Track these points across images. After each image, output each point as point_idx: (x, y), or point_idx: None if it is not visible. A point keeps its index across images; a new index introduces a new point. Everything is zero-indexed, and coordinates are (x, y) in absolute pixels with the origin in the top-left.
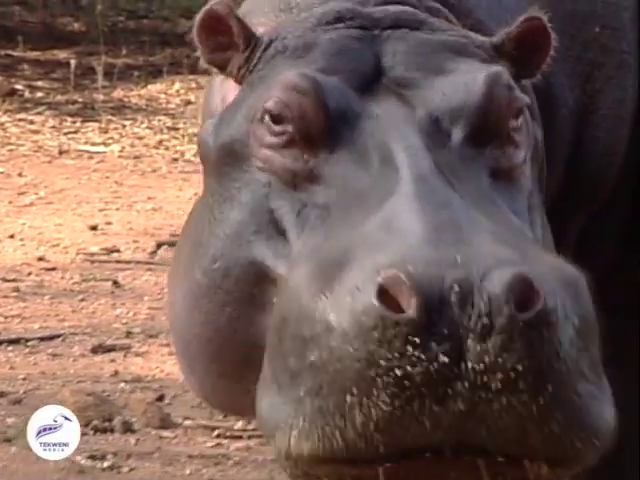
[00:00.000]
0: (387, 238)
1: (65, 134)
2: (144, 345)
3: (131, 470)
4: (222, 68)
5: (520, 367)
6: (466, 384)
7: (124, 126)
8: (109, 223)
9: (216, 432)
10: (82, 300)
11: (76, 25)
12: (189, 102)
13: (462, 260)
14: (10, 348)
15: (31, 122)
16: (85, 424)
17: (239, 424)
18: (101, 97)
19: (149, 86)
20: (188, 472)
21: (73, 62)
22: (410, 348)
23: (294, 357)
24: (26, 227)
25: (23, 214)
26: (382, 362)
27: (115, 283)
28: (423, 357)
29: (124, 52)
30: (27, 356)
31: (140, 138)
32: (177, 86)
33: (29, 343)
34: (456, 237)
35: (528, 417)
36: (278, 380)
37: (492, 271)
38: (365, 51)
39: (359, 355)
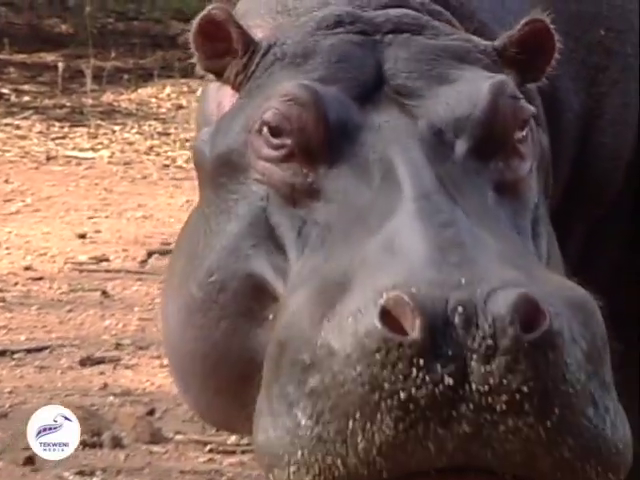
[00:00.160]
0: (389, 259)
1: (53, 139)
2: (134, 357)
3: None
4: (219, 74)
5: (525, 388)
6: (471, 406)
7: (114, 131)
8: (98, 231)
9: (208, 447)
10: (70, 311)
11: (64, 27)
12: (181, 106)
13: (466, 281)
14: None
15: (17, 127)
16: None
17: (232, 439)
18: (90, 101)
19: (139, 90)
20: None
21: (61, 65)
22: (414, 370)
23: (293, 384)
24: (12, 235)
25: (9, 222)
26: (386, 385)
27: (104, 293)
28: (427, 379)
29: (113, 55)
30: (13, 369)
31: (130, 144)
32: (168, 90)
33: (15, 355)
34: (460, 257)
35: (535, 440)
36: (275, 409)
37: (496, 292)
38: (366, 58)
39: (362, 379)
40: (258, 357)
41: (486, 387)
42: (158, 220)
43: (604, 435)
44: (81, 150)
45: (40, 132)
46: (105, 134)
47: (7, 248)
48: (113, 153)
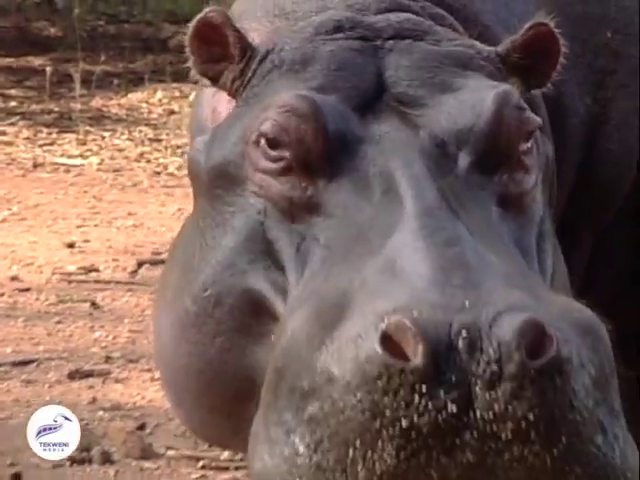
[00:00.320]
0: (390, 280)
1: (40, 146)
2: (124, 370)
3: None
4: (215, 80)
5: (531, 416)
6: (475, 433)
7: (103, 137)
8: (87, 241)
9: (201, 463)
10: (58, 322)
11: (52, 30)
12: (172, 112)
13: (470, 304)
14: None
15: (4, 133)
16: None
17: (225, 454)
18: (78, 106)
19: (130, 95)
20: None
21: (49, 69)
22: (417, 397)
23: (291, 411)
24: None
25: None
26: (387, 412)
27: (93, 304)
28: (430, 406)
29: (103, 58)
30: None
31: (120, 150)
32: (160, 95)
33: (1, 368)
34: (464, 278)
35: (541, 469)
36: (272, 436)
37: (502, 316)
38: (366, 65)
39: (363, 406)
40: (254, 375)
41: (491, 414)
42: (149, 229)
43: (613, 464)
44: (69, 157)
45: (27, 138)
46: (94, 140)
47: None
48: (102, 160)
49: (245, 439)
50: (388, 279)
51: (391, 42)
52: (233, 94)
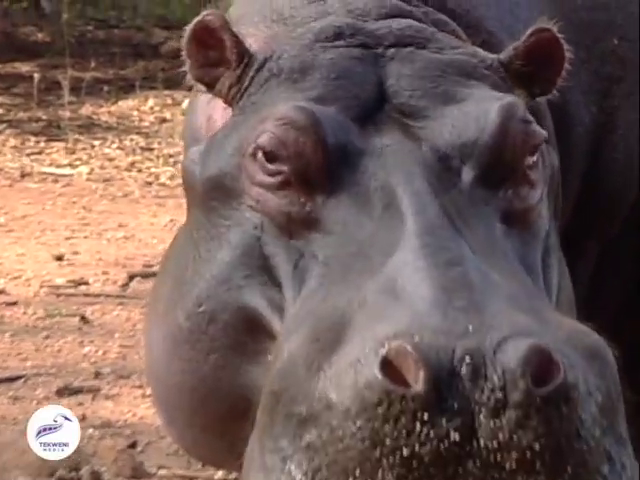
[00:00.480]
0: (391, 302)
1: (28, 155)
2: (115, 387)
3: None
4: (211, 86)
5: (537, 446)
6: (478, 463)
7: (93, 146)
8: (76, 253)
9: None
10: (46, 337)
11: (40, 35)
12: (164, 120)
13: (474, 328)
14: None
15: None
16: (49, 474)
17: (219, 474)
18: (67, 114)
19: (120, 102)
20: None
21: (36, 76)
22: (418, 425)
23: (287, 438)
24: None
25: None
26: (387, 441)
27: (83, 319)
28: (432, 434)
29: (93, 65)
30: None
31: (110, 159)
32: (151, 102)
33: None
34: (467, 301)
35: None
36: (267, 464)
37: (507, 341)
38: (367, 74)
39: (362, 433)
40: (249, 394)
41: (495, 443)
42: (140, 241)
43: None
44: (58, 166)
45: (14, 147)
46: (84, 149)
47: None
48: (92, 169)
49: (239, 458)
50: (388, 300)
51: (392, 50)
52: (229, 101)
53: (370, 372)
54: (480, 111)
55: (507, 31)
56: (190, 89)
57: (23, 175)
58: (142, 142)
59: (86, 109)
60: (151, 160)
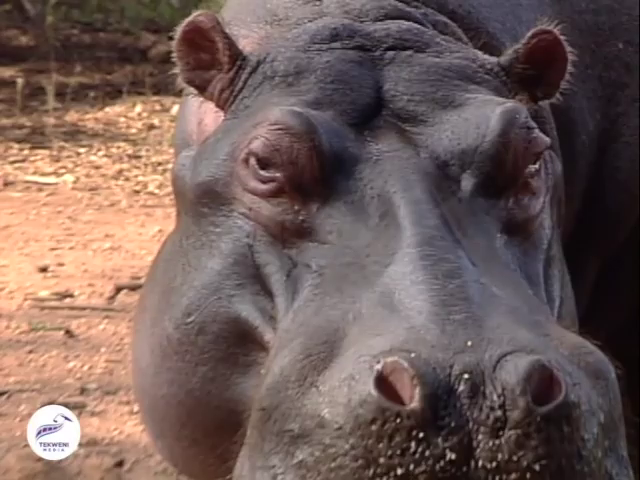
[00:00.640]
0: (387, 316)
1: (11, 163)
2: (101, 403)
3: None
4: (202, 89)
5: (537, 467)
6: None
7: (78, 154)
8: (61, 264)
9: None
10: (30, 352)
11: (23, 39)
12: (152, 126)
13: (473, 343)
14: None
15: None
16: None
17: None
18: (52, 121)
19: (107, 108)
20: None
21: (20, 81)
22: (413, 444)
23: (279, 456)
24: None
25: None
26: (381, 460)
27: (68, 332)
28: (427, 454)
29: (78, 70)
30: None
31: (97, 167)
32: (139, 108)
33: None
34: (466, 314)
35: None
36: None
37: (507, 357)
38: (364, 77)
39: (356, 452)
40: (240, 407)
41: (493, 464)
42: (127, 252)
43: None
44: (42, 175)
45: None
46: (69, 157)
47: None
48: (78, 178)
49: (229, 473)
50: (384, 314)
51: (391, 53)
52: (221, 105)
53: (364, 388)
54: (480, 117)
55: (509, 33)
56: (180, 94)
57: (6, 184)
58: (129, 149)
59: (71, 115)
60: (139, 168)
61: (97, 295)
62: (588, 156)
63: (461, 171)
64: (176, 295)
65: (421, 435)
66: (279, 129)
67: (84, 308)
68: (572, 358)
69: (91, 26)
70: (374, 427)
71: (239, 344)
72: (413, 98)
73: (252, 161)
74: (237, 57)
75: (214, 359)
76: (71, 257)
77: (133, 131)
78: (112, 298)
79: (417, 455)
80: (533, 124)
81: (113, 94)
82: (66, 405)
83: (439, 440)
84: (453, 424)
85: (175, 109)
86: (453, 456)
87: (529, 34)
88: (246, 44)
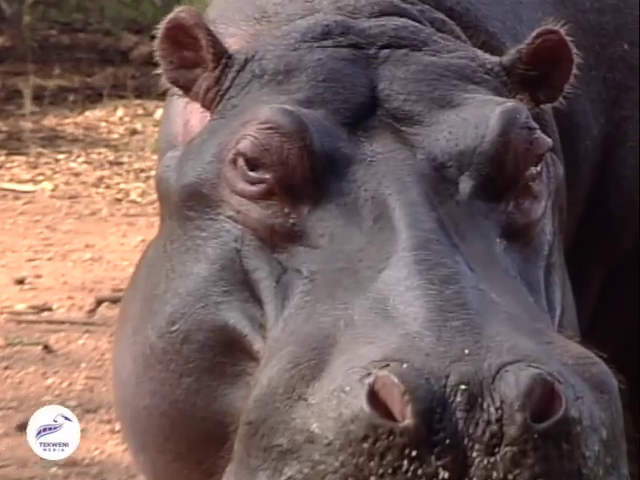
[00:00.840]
0: (380, 323)
1: None
2: (81, 422)
3: None
4: (187, 89)
5: None
6: None
7: (57, 160)
8: (39, 276)
9: None
10: (6, 368)
11: None
12: (135, 132)
13: (470, 351)
14: None
15: None
16: None
17: None
18: (29, 126)
19: (87, 112)
20: None
21: None
22: (405, 462)
23: (266, 472)
24: None
25: None
26: (372, 479)
27: (46, 348)
28: (420, 473)
29: (57, 72)
30: None
31: (76, 175)
32: (120, 112)
33: None
34: (464, 321)
35: None
36: None
37: (507, 367)
38: (358, 76)
39: (346, 470)
40: (227, 420)
41: None
42: (109, 263)
43: None
44: (19, 182)
45: None
46: (47, 164)
47: None
48: (56, 185)
49: None
50: (377, 320)
51: (386, 51)
52: (207, 105)
53: (356, 403)
54: (479, 117)
55: (509, 33)
56: (163, 97)
57: None
58: (111, 156)
59: (49, 120)
60: (120, 175)
61: (77, 308)
62: (592, 160)
63: (459, 173)
64: (160, 303)
65: (414, 453)
66: (269, 128)
67: (63, 322)
68: (576, 368)
69: (70, 26)
70: (365, 444)
71: (226, 353)
72: (409, 98)
73: (240, 162)
74: (222, 55)
75: (199, 369)
76: (49, 268)
77: (114, 136)
78: (92, 311)
79: (409, 474)
80: (534, 124)
81: (93, 97)
82: None
83: (432, 458)
84: (448, 441)
85: (158, 113)
86: (446, 475)
87: (534, 34)
88: (233, 42)
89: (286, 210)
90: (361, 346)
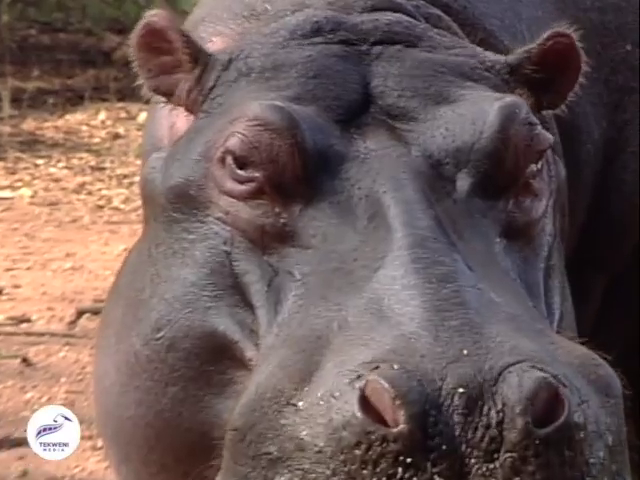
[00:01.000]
0: (374, 323)
1: None
2: None
3: None
4: (169, 95)
5: None
6: None
7: (36, 165)
8: (17, 286)
9: None
10: None
11: None
12: (117, 136)
13: (469, 351)
14: None
15: None
16: None
17: None
18: (7, 129)
19: (67, 116)
20: None
21: None
22: (400, 470)
23: None
24: None
25: None
26: None
27: (25, 361)
28: None
29: (36, 73)
30: None
31: (56, 180)
32: (102, 116)
33: None
34: (462, 320)
35: None
36: None
37: (510, 369)
38: (349, 72)
39: (338, 478)
40: (214, 431)
41: None
42: (90, 272)
43: None
44: None
45: None
46: (26, 169)
47: None
48: (36, 192)
49: None
50: (372, 321)
51: (379, 47)
52: (190, 108)
53: (347, 408)
54: (477, 112)
55: (508, 31)
56: (147, 101)
57: None
58: (92, 161)
59: (28, 124)
60: (102, 181)
61: (57, 320)
62: (594, 165)
63: (456, 170)
64: (144, 309)
65: (409, 460)
66: (258, 125)
67: (42, 334)
68: (582, 370)
69: (50, 26)
70: (358, 451)
71: (214, 361)
72: (404, 94)
73: (229, 160)
74: (198, 55)
75: (185, 378)
76: (28, 278)
77: (96, 141)
78: (73, 323)
79: None
80: (535, 120)
81: (74, 100)
82: (22, 440)
83: (428, 465)
84: (444, 446)
85: (142, 117)
86: None
87: (545, 35)
88: (221, 41)
89: (277, 210)
90: (354, 348)
